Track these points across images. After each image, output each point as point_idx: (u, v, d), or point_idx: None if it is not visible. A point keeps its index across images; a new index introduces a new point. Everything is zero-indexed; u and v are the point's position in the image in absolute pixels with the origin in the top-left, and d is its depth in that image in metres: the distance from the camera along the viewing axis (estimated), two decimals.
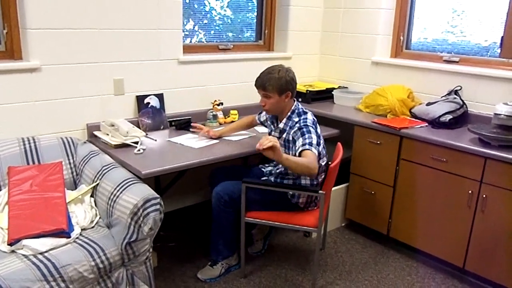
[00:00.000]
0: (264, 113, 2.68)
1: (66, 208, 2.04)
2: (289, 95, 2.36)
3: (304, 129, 2.27)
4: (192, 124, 2.81)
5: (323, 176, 2.49)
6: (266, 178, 2.57)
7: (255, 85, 2.40)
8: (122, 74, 2.73)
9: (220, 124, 3.03)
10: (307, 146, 2.21)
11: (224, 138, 2.72)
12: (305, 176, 2.34)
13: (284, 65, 2.41)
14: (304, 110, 2.42)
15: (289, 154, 2.31)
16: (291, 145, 2.35)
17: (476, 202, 2.44)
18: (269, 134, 2.56)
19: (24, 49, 2.39)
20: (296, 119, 2.35)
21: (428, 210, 2.66)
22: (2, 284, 1.63)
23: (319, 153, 2.28)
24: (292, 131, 2.33)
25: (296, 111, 2.40)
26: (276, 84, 2.31)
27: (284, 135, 2.40)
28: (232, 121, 3.09)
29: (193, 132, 2.81)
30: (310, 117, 2.37)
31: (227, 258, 2.56)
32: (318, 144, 2.26)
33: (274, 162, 2.55)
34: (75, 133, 2.60)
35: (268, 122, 2.60)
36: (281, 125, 2.42)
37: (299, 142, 2.25)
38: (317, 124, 2.39)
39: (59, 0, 2.39)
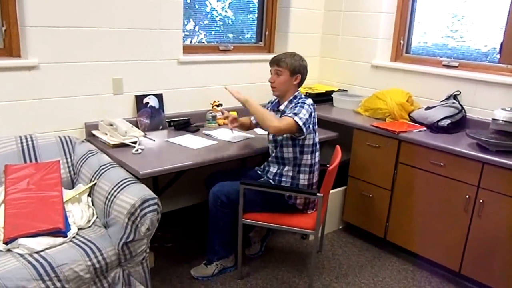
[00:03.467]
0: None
1: (63, 207, 2.03)
2: (299, 78, 2.44)
3: (299, 105, 2.35)
4: (222, 112, 2.73)
5: (317, 176, 2.49)
6: (263, 179, 2.57)
7: (270, 61, 2.47)
8: (121, 73, 2.72)
9: (219, 125, 3.03)
10: (290, 114, 2.30)
11: (222, 139, 2.71)
12: (267, 130, 2.42)
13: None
14: (306, 97, 2.46)
15: None
16: None
17: (473, 207, 2.44)
18: None
19: (23, 47, 2.38)
20: (296, 101, 2.41)
21: (425, 214, 2.66)
22: None
23: (305, 128, 2.31)
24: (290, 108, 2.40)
25: (298, 96, 2.46)
26: (291, 63, 2.41)
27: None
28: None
29: (196, 131, 2.82)
30: (309, 101, 2.42)
31: (223, 259, 2.55)
32: (306, 120, 2.31)
33: (269, 160, 2.55)
34: (73, 132, 2.59)
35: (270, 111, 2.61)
36: (282, 107, 2.47)
37: (288, 113, 2.33)
38: (314, 109, 2.43)
39: None
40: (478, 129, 2.69)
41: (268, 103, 2.70)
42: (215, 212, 2.43)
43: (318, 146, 2.49)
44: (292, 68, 2.40)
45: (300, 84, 2.47)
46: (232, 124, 2.60)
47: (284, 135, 2.39)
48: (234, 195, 2.38)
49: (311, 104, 2.40)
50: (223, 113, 2.69)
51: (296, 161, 2.41)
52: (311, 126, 2.37)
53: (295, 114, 2.29)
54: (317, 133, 2.46)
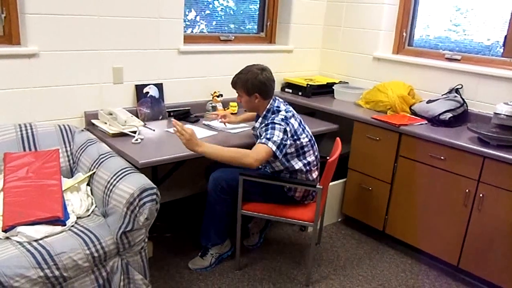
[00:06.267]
0: None
1: (61, 196, 2.03)
2: (258, 96, 2.35)
3: (269, 126, 2.26)
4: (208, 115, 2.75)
5: (316, 173, 2.48)
6: (262, 169, 2.56)
7: (231, 83, 2.43)
8: (121, 62, 2.70)
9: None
10: (263, 140, 2.21)
11: (222, 130, 2.70)
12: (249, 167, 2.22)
13: (262, 66, 2.39)
14: (279, 108, 2.37)
15: None
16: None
17: (473, 201, 2.44)
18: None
19: (23, 34, 2.36)
20: (269, 116, 2.35)
21: (424, 207, 2.66)
22: None
23: (279, 151, 2.23)
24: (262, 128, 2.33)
25: (271, 109, 2.38)
26: (243, 85, 2.35)
27: (255, 133, 2.40)
28: (232, 113, 3.08)
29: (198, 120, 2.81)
30: (280, 115, 2.31)
31: (217, 246, 2.55)
32: (280, 143, 2.21)
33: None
34: (72, 120, 2.59)
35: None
36: (257, 124, 2.44)
37: (261, 138, 2.25)
38: (291, 119, 2.32)
39: None
40: (479, 123, 2.68)
41: None
42: (214, 198, 2.42)
43: (310, 145, 2.41)
44: (246, 90, 2.34)
45: (265, 97, 2.37)
46: (223, 119, 2.71)
47: None
48: (234, 182, 2.36)
49: (283, 118, 2.29)
50: (216, 111, 2.72)
51: (289, 168, 2.39)
52: (288, 142, 2.28)
53: (268, 139, 2.20)
54: (303, 135, 2.37)
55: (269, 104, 2.39)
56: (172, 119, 2.42)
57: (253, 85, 2.33)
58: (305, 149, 2.38)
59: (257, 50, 3.36)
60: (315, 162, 2.45)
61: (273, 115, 2.33)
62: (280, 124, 2.27)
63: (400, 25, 3.35)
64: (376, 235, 3.03)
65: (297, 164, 2.37)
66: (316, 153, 2.46)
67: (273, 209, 2.40)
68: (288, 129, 2.28)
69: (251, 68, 2.37)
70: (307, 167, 2.40)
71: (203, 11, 3.23)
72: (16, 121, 2.37)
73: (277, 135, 2.23)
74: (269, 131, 2.24)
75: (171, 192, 3.26)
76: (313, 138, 2.47)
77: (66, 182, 2.19)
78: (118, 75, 2.71)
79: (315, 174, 2.46)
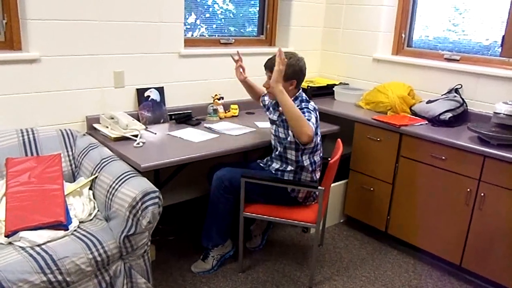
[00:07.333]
0: (266, 97, 2.65)
1: (64, 201, 2.04)
2: (294, 83, 2.34)
3: (304, 109, 2.26)
4: (235, 56, 2.66)
5: (319, 173, 2.49)
6: (266, 169, 2.56)
7: (264, 65, 2.39)
8: (122, 66, 2.71)
9: (221, 118, 3.03)
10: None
11: (224, 133, 2.70)
12: (299, 137, 2.18)
13: (298, 54, 2.38)
14: (307, 99, 2.40)
15: (286, 133, 2.35)
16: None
17: (474, 200, 2.44)
18: (270, 121, 2.56)
19: (24, 40, 2.38)
20: (297, 104, 2.32)
21: (426, 207, 2.66)
22: None
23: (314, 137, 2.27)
24: None
25: (300, 98, 2.38)
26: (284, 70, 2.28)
27: (284, 116, 2.34)
28: (233, 116, 3.09)
29: (196, 124, 2.83)
30: (311, 105, 2.35)
31: (218, 247, 2.54)
32: (315, 128, 2.25)
33: (272, 156, 2.55)
34: (74, 125, 2.59)
35: (270, 108, 2.55)
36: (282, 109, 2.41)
37: None
38: (317, 113, 2.37)
39: None
40: (479, 122, 2.69)
41: (264, 95, 2.68)
42: (217, 196, 2.41)
43: (320, 145, 2.45)
44: (285, 76, 2.25)
45: (298, 86, 2.38)
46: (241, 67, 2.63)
47: (288, 139, 2.35)
48: (237, 182, 2.37)
49: (314, 108, 2.33)
50: (236, 60, 2.65)
51: (299, 163, 2.40)
52: (317, 129, 2.35)
53: (308, 119, 2.17)
54: (319, 133, 2.42)
55: (297, 93, 2.38)
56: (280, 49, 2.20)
57: (294, 71, 2.30)
58: (317, 147, 2.41)
59: (257, 52, 3.37)
60: (319, 163, 2.46)
61: (302, 103, 2.33)
62: (313, 111, 2.28)
63: (399, 26, 3.36)
64: (378, 236, 3.03)
65: (306, 161, 2.39)
66: (321, 154, 2.47)
67: (275, 211, 2.40)
68: (317, 118, 2.31)
69: (289, 54, 2.32)
70: (313, 166, 2.41)
71: (203, 14, 3.24)
72: (18, 126, 2.38)
73: (313, 120, 2.24)
74: (305, 114, 2.22)
75: (174, 195, 3.26)
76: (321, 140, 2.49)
77: (68, 187, 2.19)
78: (119, 79, 2.72)
79: (318, 174, 2.48)
